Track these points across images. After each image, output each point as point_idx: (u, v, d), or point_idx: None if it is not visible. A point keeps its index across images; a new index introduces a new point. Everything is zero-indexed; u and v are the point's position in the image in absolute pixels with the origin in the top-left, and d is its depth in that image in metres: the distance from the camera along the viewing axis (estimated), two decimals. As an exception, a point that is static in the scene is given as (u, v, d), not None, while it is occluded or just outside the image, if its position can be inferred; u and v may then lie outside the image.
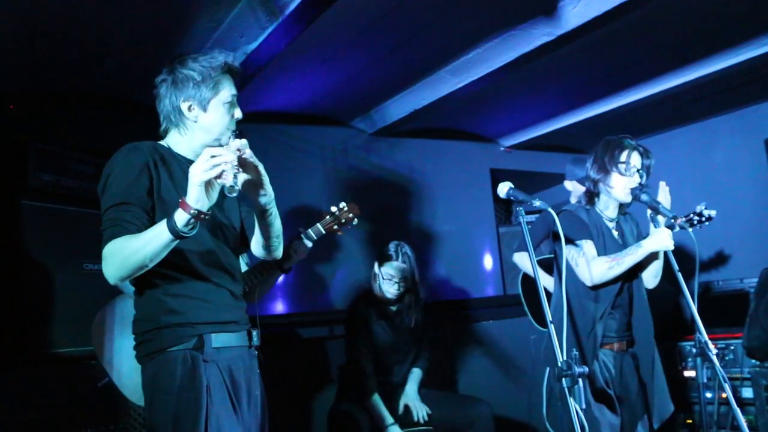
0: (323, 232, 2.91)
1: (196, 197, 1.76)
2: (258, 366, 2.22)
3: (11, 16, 2.90)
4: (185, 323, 1.98)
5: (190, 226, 1.79)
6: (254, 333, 2.19)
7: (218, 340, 2.02)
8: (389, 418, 3.50)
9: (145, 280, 2.00)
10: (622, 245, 2.99)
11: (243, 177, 1.95)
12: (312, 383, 4.19)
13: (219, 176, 1.78)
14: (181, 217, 1.76)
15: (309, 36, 3.29)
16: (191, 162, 2.09)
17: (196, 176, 1.76)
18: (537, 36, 3.49)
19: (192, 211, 1.75)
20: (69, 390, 2.97)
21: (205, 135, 2.08)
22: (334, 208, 2.96)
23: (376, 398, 3.55)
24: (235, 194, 1.82)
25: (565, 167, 4.05)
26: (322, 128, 4.86)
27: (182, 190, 1.96)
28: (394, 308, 3.78)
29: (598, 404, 2.82)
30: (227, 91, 2.08)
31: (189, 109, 2.05)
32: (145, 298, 2.03)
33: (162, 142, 2.14)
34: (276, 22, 3.08)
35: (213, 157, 1.76)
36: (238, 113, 2.13)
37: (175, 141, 2.12)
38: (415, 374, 3.81)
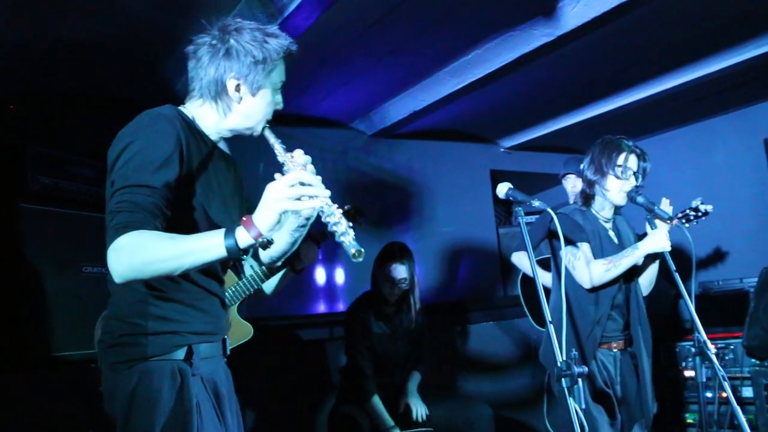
0: (329, 235, 2.92)
1: (271, 224, 1.52)
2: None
3: (8, 18, 2.90)
4: (173, 331, 1.73)
5: (248, 251, 1.55)
6: (227, 340, 1.97)
7: (203, 350, 1.81)
8: (390, 421, 3.49)
9: None
10: (619, 245, 3.00)
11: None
12: (312, 385, 4.19)
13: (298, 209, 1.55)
14: (244, 239, 1.51)
15: (308, 38, 3.29)
16: (213, 143, 1.88)
17: (280, 202, 1.51)
18: (536, 37, 3.49)
19: (261, 239, 1.51)
20: (68, 393, 2.96)
21: (242, 120, 1.86)
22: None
23: (376, 399, 3.54)
24: (360, 259, 1.55)
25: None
26: (322, 130, 4.86)
27: (207, 184, 1.78)
28: (393, 309, 3.77)
29: (596, 405, 2.82)
30: (279, 77, 1.86)
31: (236, 88, 1.79)
32: (127, 294, 1.72)
33: (185, 111, 1.84)
34: (275, 23, 3.08)
35: (302, 185, 1.53)
36: (280, 102, 1.92)
37: (202, 114, 1.85)
38: (416, 377, 3.81)
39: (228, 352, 1.97)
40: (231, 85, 1.78)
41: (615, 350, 2.95)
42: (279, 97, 1.90)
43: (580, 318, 2.92)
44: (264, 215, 1.52)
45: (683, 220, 2.91)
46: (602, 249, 2.95)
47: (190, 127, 1.79)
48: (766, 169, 4.60)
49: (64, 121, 3.72)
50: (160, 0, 2.91)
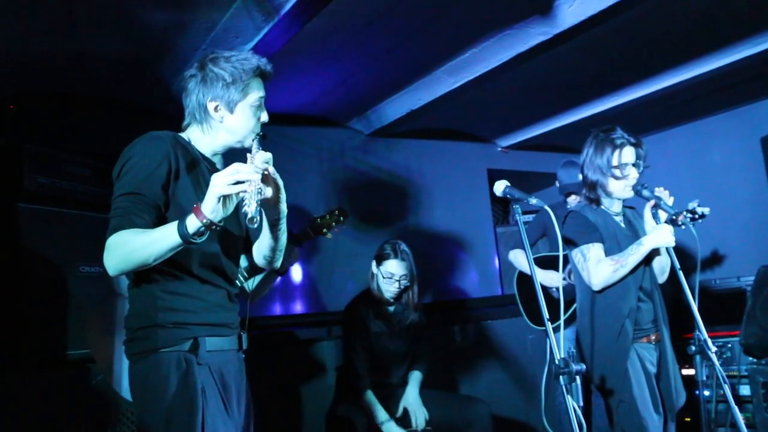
0: (312, 235, 2.96)
1: (212, 208, 1.74)
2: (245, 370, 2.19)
3: (5, 18, 2.89)
4: (181, 323, 1.94)
5: (200, 234, 1.77)
6: (244, 336, 2.17)
7: (211, 343, 2.00)
8: (383, 415, 3.49)
9: (143, 274, 1.96)
10: (634, 237, 2.94)
11: (265, 193, 1.87)
12: (309, 385, 4.19)
13: (238, 193, 1.76)
14: (193, 223, 1.74)
15: (305, 37, 3.29)
16: (209, 160, 2.12)
17: (217, 188, 1.73)
18: (533, 35, 3.50)
19: (205, 221, 1.74)
20: (65, 393, 2.96)
21: (228, 136, 2.08)
22: (323, 212, 3.03)
23: (370, 395, 3.54)
24: (254, 225, 1.77)
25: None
26: (319, 129, 4.86)
27: (199, 189, 1.97)
28: (392, 308, 3.77)
29: (645, 403, 2.77)
30: (256, 93, 2.05)
31: (215, 109, 2.03)
32: (141, 293, 1.98)
33: (183, 135, 2.11)
34: (272, 22, 3.08)
35: (238, 173, 1.74)
36: (264, 116, 2.10)
37: (196, 137, 2.10)
38: (416, 376, 3.78)
39: (244, 347, 2.17)
40: (211, 107, 2.03)
41: (654, 342, 2.90)
42: (263, 112, 2.10)
43: (607, 315, 2.86)
44: (207, 201, 1.75)
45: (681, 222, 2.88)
46: (619, 243, 2.90)
47: (184, 147, 2.03)
48: (764, 167, 4.60)
49: (61, 121, 3.72)
50: (157, 0, 2.91)
